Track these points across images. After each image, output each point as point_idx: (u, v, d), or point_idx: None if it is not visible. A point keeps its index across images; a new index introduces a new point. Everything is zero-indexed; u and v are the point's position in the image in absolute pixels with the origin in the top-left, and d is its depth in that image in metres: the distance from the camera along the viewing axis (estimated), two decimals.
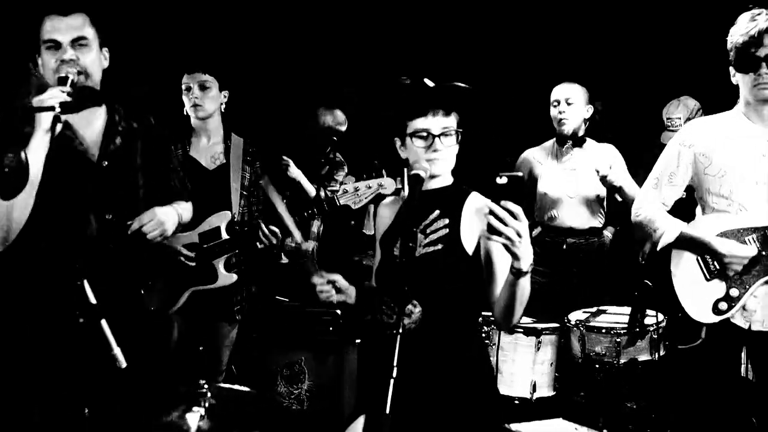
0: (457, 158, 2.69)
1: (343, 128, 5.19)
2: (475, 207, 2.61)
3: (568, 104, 4.59)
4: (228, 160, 4.02)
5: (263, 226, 3.71)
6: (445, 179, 2.70)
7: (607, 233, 5.10)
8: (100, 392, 2.51)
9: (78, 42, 2.68)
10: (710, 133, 3.16)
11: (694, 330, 3.18)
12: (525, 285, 2.30)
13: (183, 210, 3.04)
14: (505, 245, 2.14)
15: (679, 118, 4.99)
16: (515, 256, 2.19)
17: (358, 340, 4.15)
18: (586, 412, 4.09)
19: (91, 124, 2.80)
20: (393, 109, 2.79)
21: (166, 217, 2.80)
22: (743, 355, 3.35)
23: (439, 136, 2.60)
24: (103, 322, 2.22)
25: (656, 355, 3.98)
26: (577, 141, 4.64)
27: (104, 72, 2.82)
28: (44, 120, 2.46)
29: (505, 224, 2.10)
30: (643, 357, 4.00)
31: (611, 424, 3.89)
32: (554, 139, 4.74)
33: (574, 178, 4.61)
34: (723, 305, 3.08)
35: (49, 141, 2.46)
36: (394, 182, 3.88)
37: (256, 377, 4.16)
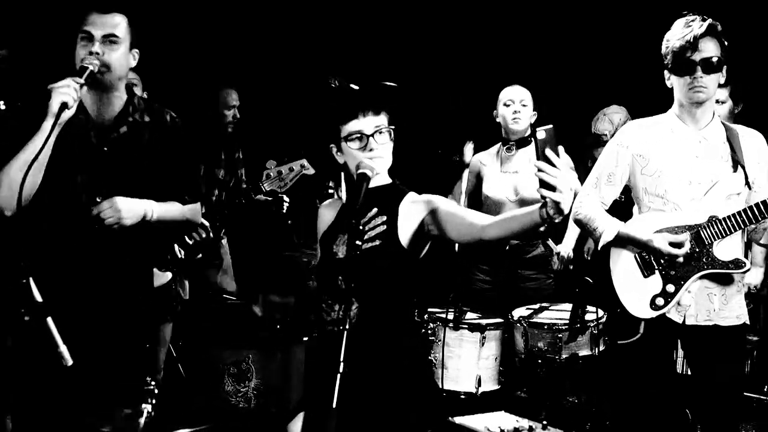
0: (393, 157, 2.74)
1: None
2: (411, 200, 2.68)
3: (523, 106, 4.70)
4: None
5: None
6: (383, 178, 2.75)
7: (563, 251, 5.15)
8: (47, 390, 2.50)
9: (108, 38, 2.85)
10: (646, 134, 3.26)
11: (632, 325, 3.24)
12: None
13: (175, 209, 3.10)
14: (553, 201, 2.16)
15: (605, 135, 5.09)
16: (560, 211, 2.20)
17: (305, 338, 4.17)
18: (530, 405, 4.17)
19: (105, 111, 2.95)
20: (324, 117, 2.84)
21: (127, 208, 2.86)
22: (678, 349, 3.47)
23: (372, 135, 2.65)
24: (49, 320, 2.21)
25: (596, 350, 4.08)
26: (522, 143, 4.73)
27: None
28: (53, 104, 2.65)
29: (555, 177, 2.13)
30: (584, 352, 4.10)
31: (553, 417, 3.98)
32: (500, 143, 4.82)
33: (515, 180, 4.69)
34: (660, 301, 3.18)
35: (53, 125, 2.65)
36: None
37: (203, 376, 4.14)
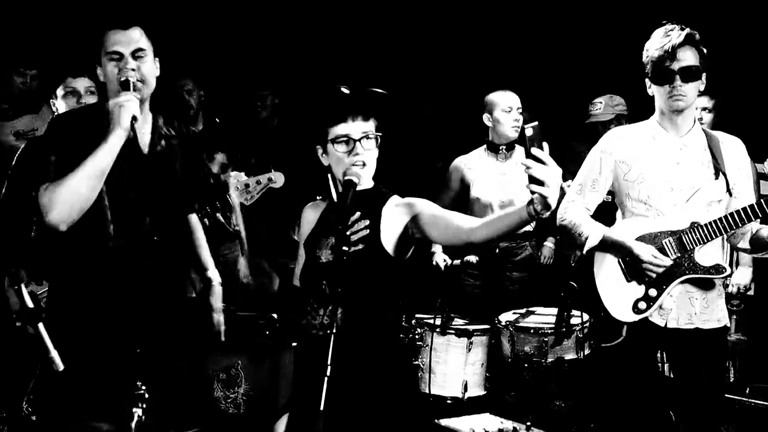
0: (378, 162, 2.78)
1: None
2: (394, 204, 2.71)
3: (520, 113, 4.75)
4: None
5: None
6: (367, 182, 2.78)
7: (549, 244, 5.26)
8: (38, 394, 2.53)
9: (137, 53, 2.92)
10: (629, 141, 3.32)
11: (615, 329, 3.29)
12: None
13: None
14: (541, 195, 2.20)
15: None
16: (547, 206, 2.24)
17: (294, 344, 4.19)
18: (516, 410, 4.22)
19: (144, 127, 3.01)
20: (312, 118, 2.88)
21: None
22: (661, 352, 3.53)
23: (359, 140, 2.68)
24: (41, 326, 2.24)
25: (581, 354, 4.13)
26: (510, 146, 4.79)
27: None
28: (124, 119, 2.72)
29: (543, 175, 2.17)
30: (569, 356, 4.15)
31: (539, 420, 4.02)
32: (484, 146, 4.87)
33: (505, 183, 4.74)
34: (642, 305, 3.23)
35: (125, 137, 2.73)
36: (283, 176, 3.94)
37: (192, 382, 4.16)
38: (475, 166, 4.86)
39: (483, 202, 4.77)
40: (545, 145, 2.20)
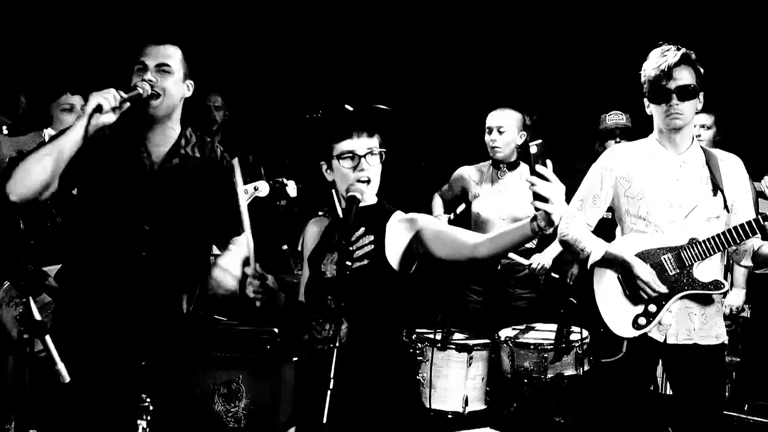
0: (381, 178, 2.81)
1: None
2: (398, 219, 2.74)
3: (500, 133, 4.74)
4: None
5: None
6: (371, 198, 2.80)
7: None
8: (45, 406, 2.55)
9: (161, 67, 2.96)
10: (629, 158, 3.35)
11: (615, 344, 3.31)
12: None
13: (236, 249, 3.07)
14: (545, 212, 2.22)
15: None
16: (551, 222, 2.26)
17: (294, 358, 4.20)
18: (516, 424, 4.23)
19: (161, 142, 3.03)
20: (316, 134, 2.90)
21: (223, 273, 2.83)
22: (659, 369, 3.55)
23: (364, 156, 2.71)
24: (48, 338, 2.27)
25: (581, 370, 4.15)
26: (511, 165, 4.81)
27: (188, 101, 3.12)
28: (89, 106, 2.72)
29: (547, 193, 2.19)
30: (569, 372, 4.18)
31: None
32: (490, 161, 4.90)
33: (506, 200, 4.76)
34: (642, 320, 3.26)
35: (87, 129, 2.72)
36: (268, 185, 3.98)
37: (194, 395, 4.17)
38: (478, 180, 4.90)
39: (484, 217, 4.80)
40: (549, 162, 2.23)
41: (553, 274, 4.41)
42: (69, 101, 4.01)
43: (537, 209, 2.24)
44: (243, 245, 3.00)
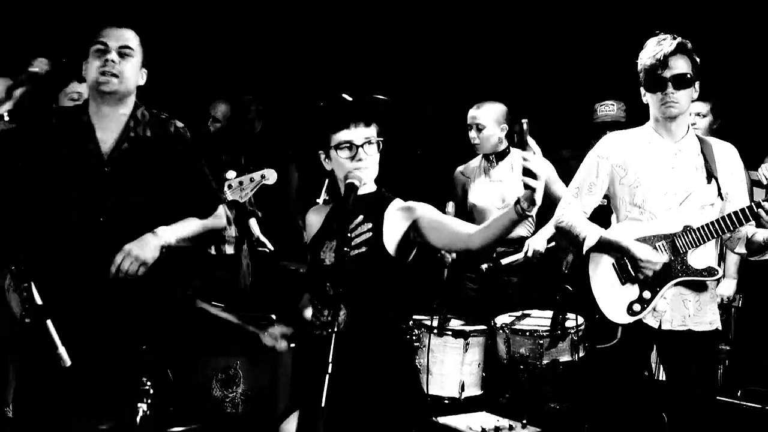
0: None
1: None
2: (396, 207, 2.77)
3: (479, 129, 4.77)
4: None
5: None
6: (369, 186, 2.84)
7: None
8: (46, 389, 2.58)
9: (123, 49, 2.94)
10: (625, 146, 3.37)
11: (610, 330, 3.35)
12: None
13: (193, 224, 3.10)
14: (530, 188, 2.31)
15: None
16: (533, 202, 2.36)
17: (292, 344, 4.23)
18: (512, 409, 4.27)
19: (110, 129, 2.97)
20: (314, 124, 2.93)
21: (141, 251, 2.85)
22: (653, 355, 3.58)
23: (362, 145, 2.75)
24: (49, 323, 2.29)
25: (576, 356, 4.18)
26: (500, 155, 4.82)
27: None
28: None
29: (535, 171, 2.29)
30: (564, 358, 4.20)
31: (534, 421, 4.07)
32: (481, 154, 4.92)
33: (500, 189, 4.79)
34: (636, 307, 3.29)
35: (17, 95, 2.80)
36: (275, 172, 4.01)
37: (192, 381, 4.20)
38: (471, 174, 4.93)
39: (480, 207, 4.82)
40: (531, 139, 2.31)
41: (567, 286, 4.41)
42: (77, 89, 4.00)
43: (526, 187, 2.32)
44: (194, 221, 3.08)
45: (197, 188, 3.14)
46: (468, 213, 4.89)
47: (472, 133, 4.80)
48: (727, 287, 4.62)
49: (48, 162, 2.86)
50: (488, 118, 4.77)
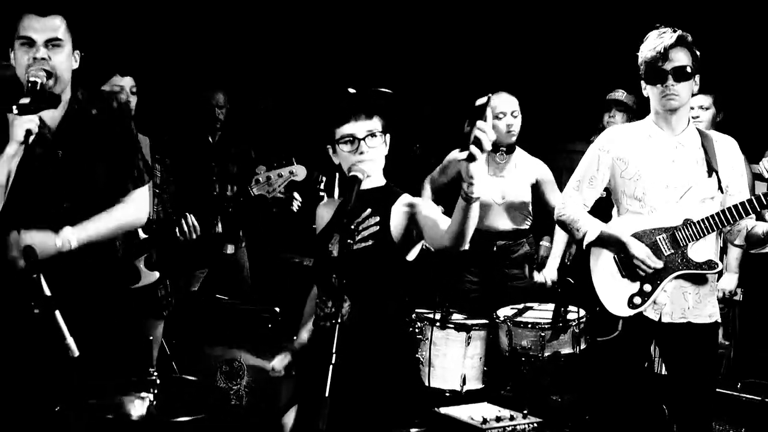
0: (391, 161, 2.86)
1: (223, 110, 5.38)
2: (403, 203, 2.79)
3: (514, 117, 4.69)
4: None
5: (187, 217, 3.78)
6: (377, 180, 2.86)
7: (545, 243, 5.32)
8: (55, 380, 2.61)
9: (52, 42, 2.78)
10: (626, 139, 3.40)
11: (611, 323, 3.37)
12: (476, 208, 2.45)
13: (102, 224, 2.96)
14: (471, 159, 2.27)
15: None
16: (471, 180, 2.33)
17: (295, 337, 4.25)
18: (513, 402, 4.30)
19: (53, 115, 2.87)
20: (320, 119, 2.94)
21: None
22: (654, 348, 3.61)
23: (363, 139, 2.77)
24: (57, 313, 2.32)
25: (578, 349, 4.21)
26: (509, 149, 4.78)
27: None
28: (18, 133, 2.61)
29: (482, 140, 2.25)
30: (566, 350, 4.23)
31: (535, 412, 4.10)
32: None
33: (502, 184, 4.78)
34: (637, 299, 3.31)
35: (23, 151, 2.63)
36: (305, 169, 4.01)
37: (195, 373, 4.23)
38: None
39: (482, 201, 4.81)
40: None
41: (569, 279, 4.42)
42: (119, 83, 4.01)
43: (470, 158, 2.27)
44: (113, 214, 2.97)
45: (126, 163, 3.06)
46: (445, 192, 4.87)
47: (508, 120, 4.68)
48: (729, 281, 4.64)
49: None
50: (518, 106, 4.72)
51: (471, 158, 2.27)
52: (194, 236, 3.83)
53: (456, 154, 2.29)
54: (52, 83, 2.77)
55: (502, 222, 4.80)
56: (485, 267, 4.83)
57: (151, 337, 4.01)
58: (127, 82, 4.02)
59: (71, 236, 2.80)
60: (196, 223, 3.81)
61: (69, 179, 2.88)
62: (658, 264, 3.27)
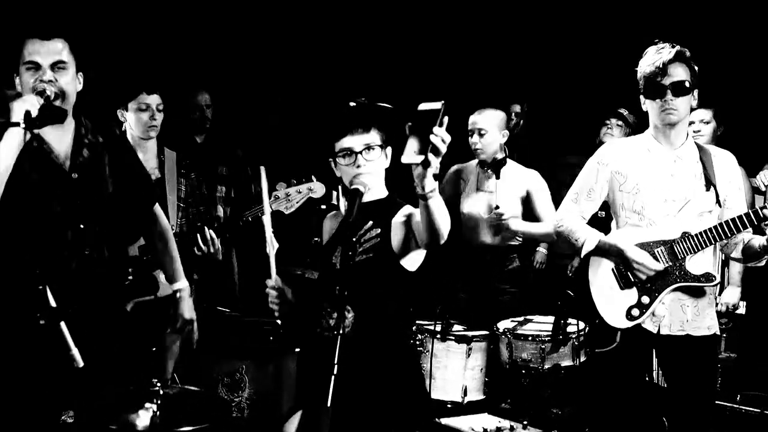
0: (395, 173, 2.88)
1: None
2: (403, 213, 2.81)
3: (480, 135, 4.73)
4: (163, 174, 4.09)
5: (204, 231, 3.82)
6: (378, 192, 2.90)
7: (542, 249, 5.36)
8: (59, 390, 2.63)
9: (57, 65, 2.84)
10: (625, 153, 3.42)
11: (609, 335, 3.38)
12: (437, 201, 2.42)
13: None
14: (426, 165, 2.24)
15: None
16: (423, 183, 2.30)
17: (297, 349, 4.26)
18: (514, 413, 4.31)
19: (62, 139, 2.93)
20: (321, 133, 2.97)
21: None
22: (654, 359, 3.62)
23: (360, 152, 2.80)
24: (62, 324, 2.35)
25: (577, 361, 4.22)
26: (497, 164, 4.76)
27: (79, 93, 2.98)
28: (17, 113, 2.60)
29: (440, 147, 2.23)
30: (566, 362, 4.24)
31: (535, 423, 4.12)
32: (476, 160, 4.92)
33: (491, 199, 4.75)
34: (635, 311, 3.33)
35: (19, 149, 2.64)
36: (324, 186, 4.02)
37: (198, 385, 4.23)
38: (468, 180, 4.94)
39: (469, 215, 4.83)
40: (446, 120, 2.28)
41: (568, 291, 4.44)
42: (145, 101, 4.05)
43: (426, 164, 2.25)
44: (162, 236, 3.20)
45: (141, 184, 3.18)
46: (460, 218, 4.90)
47: (474, 138, 4.75)
48: (732, 295, 4.66)
49: (18, 180, 2.75)
50: (490, 124, 4.74)
51: (426, 164, 2.27)
52: (212, 250, 3.87)
53: (409, 159, 2.26)
54: (59, 103, 2.81)
55: (490, 237, 4.82)
56: (475, 281, 4.86)
57: (168, 350, 4.02)
58: (154, 99, 4.06)
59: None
60: (214, 236, 3.84)
61: (84, 201, 2.92)
62: (658, 266, 3.29)
